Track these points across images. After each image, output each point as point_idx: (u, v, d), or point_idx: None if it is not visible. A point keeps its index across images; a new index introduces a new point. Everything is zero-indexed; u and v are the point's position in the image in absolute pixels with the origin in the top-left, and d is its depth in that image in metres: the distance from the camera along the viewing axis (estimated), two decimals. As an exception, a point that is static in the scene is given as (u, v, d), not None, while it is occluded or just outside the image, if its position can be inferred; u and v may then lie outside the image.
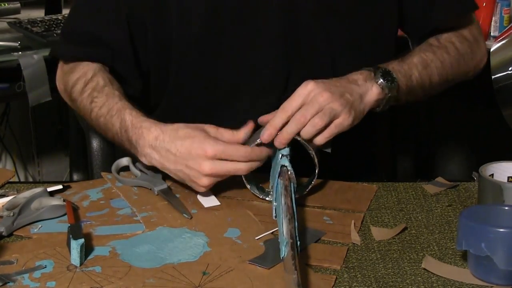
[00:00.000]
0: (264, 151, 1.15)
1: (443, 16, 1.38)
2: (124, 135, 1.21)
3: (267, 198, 1.19)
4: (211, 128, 1.16)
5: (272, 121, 1.15)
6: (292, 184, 1.12)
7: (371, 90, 1.21)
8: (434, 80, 1.32)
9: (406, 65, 1.28)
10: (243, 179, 1.18)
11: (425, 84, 1.31)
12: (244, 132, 1.16)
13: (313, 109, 1.14)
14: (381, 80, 1.21)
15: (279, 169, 1.13)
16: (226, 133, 1.16)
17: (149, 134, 1.17)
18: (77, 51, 1.34)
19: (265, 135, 1.15)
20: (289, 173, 1.12)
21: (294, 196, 1.11)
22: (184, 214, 1.13)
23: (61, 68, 1.38)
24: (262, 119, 1.20)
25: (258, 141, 1.15)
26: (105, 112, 1.24)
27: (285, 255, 0.95)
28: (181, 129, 1.16)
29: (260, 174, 1.19)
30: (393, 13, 1.38)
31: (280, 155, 1.15)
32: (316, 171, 1.17)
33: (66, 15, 2.36)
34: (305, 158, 1.16)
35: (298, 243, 1.00)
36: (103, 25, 1.32)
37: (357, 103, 1.18)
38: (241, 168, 1.14)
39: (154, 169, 1.22)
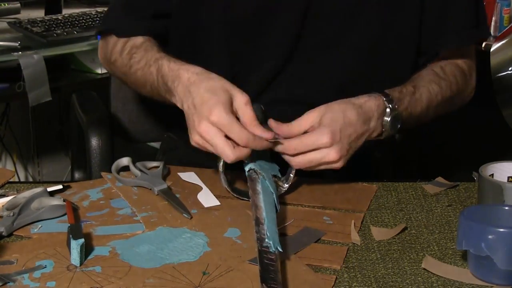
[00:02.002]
0: (264, 144, 1.12)
1: (453, 42, 1.38)
2: (160, 80, 1.22)
3: (240, 197, 1.19)
4: (239, 98, 1.12)
5: (283, 146, 1.15)
6: (267, 182, 1.13)
7: (375, 132, 1.21)
8: (429, 116, 1.34)
9: (413, 102, 1.28)
10: (222, 179, 1.18)
11: (419, 120, 1.33)
12: (262, 130, 1.12)
13: (316, 162, 1.14)
14: (389, 124, 1.21)
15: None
16: (247, 114, 1.12)
17: (184, 75, 1.17)
18: (127, 26, 1.37)
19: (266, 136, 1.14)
20: (260, 177, 1.14)
21: (275, 194, 1.12)
22: (184, 214, 1.13)
23: (102, 39, 1.43)
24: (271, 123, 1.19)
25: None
26: (143, 65, 1.28)
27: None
28: (211, 81, 1.14)
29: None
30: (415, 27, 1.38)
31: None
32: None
33: (66, 15, 2.37)
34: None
35: (270, 243, 0.99)
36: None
37: (357, 148, 1.18)
38: (227, 154, 1.09)
39: (154, 169, 1.22)
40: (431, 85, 1.32)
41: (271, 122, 1.16)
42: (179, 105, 1.18)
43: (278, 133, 1.15)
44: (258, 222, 1.03)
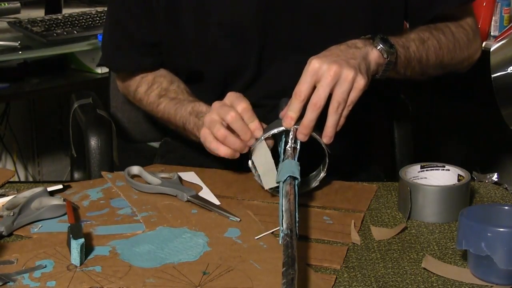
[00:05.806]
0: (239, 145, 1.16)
1: (445, 3, 1.37)
2: (194, 119, 1.28)
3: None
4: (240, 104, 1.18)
5: (289, 110, 1.14)
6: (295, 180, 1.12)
7: (371, 52, 1.19)
8: (431, 57, 1.32)
9: (403, 38, 1.28)
10: (254, 174, 1.18)
11: (422, 59, 1.30)
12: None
13: (326, 87, 1.12)
14: (381, 45, 1.20)
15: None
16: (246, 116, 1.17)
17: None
18: (129, 63, 1.45)
19: (285, 123, 1.15)
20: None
21: (297, 190, 1.10)
22: (231, 218, 1.12)
23: (117, 75, 1.53)
24: (282, 113, 1.19)
25: (275, 131, 1.16)
26: (173, 105, 1.34)
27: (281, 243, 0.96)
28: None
29: None
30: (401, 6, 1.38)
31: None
32: (326, 163, 1.18)
33: (66, 15, 2.37)
34: (310, 157, 1.16)
35: (297, 235, 0.99)
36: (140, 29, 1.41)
37: (362, 66, 1.16)
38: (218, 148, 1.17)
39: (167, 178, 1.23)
40: (421, 31, 1.32)
41: (282, 113, 1.17)
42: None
43: (289, 113, 1.15)
44: (290, 225, 1.00)
